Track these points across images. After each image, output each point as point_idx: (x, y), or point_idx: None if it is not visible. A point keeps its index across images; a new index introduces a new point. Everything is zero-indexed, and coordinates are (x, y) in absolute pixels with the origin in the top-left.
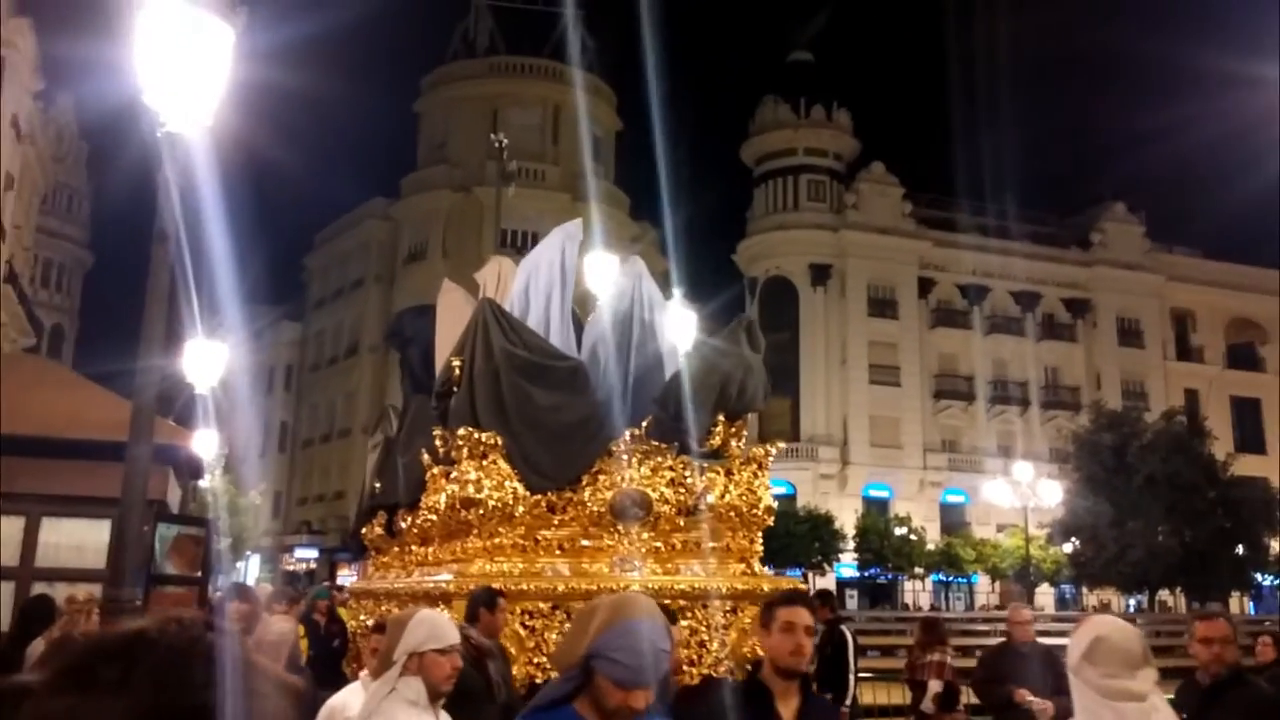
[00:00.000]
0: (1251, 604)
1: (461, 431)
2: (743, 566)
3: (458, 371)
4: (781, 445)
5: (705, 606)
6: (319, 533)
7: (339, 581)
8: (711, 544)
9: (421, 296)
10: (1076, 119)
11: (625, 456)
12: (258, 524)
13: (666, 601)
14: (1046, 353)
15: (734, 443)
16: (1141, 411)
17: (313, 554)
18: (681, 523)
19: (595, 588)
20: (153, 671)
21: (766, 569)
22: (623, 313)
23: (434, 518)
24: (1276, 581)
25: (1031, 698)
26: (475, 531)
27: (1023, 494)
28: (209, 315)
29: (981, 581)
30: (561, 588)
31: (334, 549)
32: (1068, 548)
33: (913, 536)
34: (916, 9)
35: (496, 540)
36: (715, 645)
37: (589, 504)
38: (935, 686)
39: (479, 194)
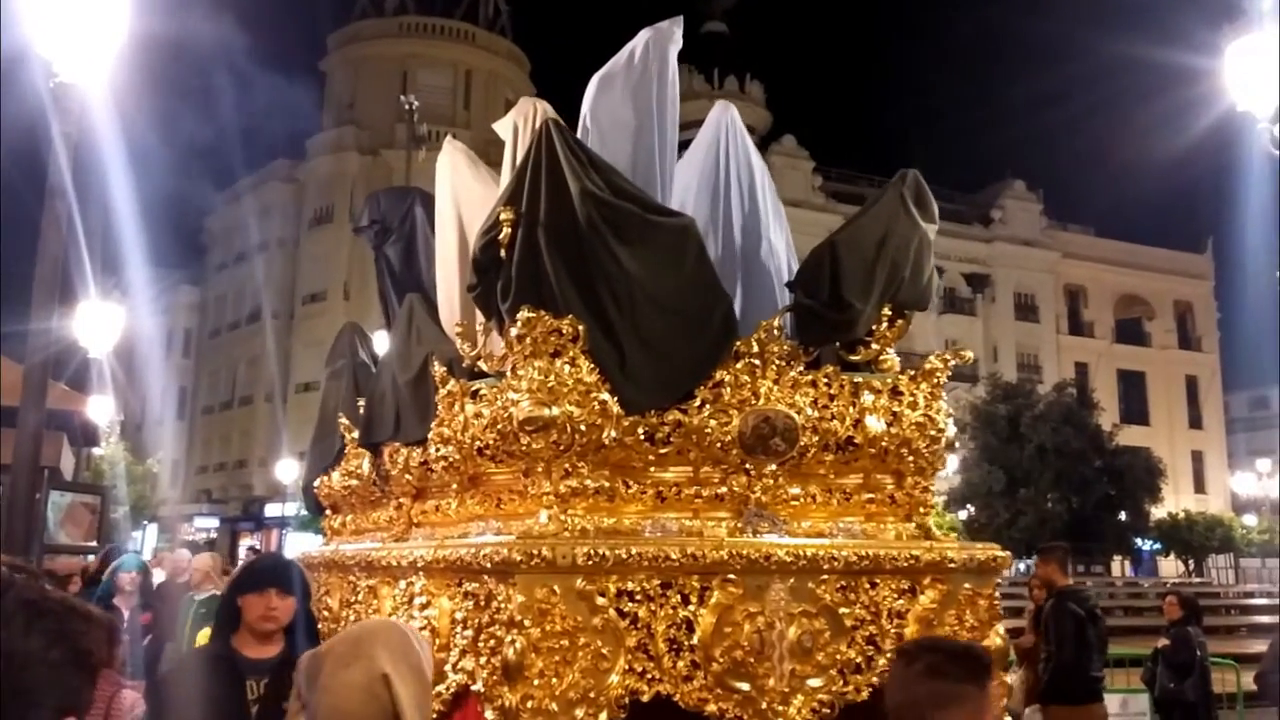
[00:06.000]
0: (1132, 568)
1: (523, 315)
2: (912, 527)
3: (507, 229)
4: None
5: (874, 585)
6: (220, 501)
7: (242, 551)
8: (869, 495)
9: (328, 261)
10: (980, 99)
11: (756, 362)
12: (155, 492)
13: (824, 579)
14: (948, 326)
15: (890, 351)
16: (1035, 384)
17: (213, 523)
18: (828, 460)
19: (722, 555)
20: None
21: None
22: (714, 165)
23: (455, 454)
24: (1156, 546)
25: None
26: (541, 469)
27: None
28: (103, 276)
29: None
30: (675, 554)
31: (235, 518)
32: (963, 514)
33: None
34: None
35: (572, 482)
36: (889, 643)
37: (709, 432)
38: None
39: (388, 157)
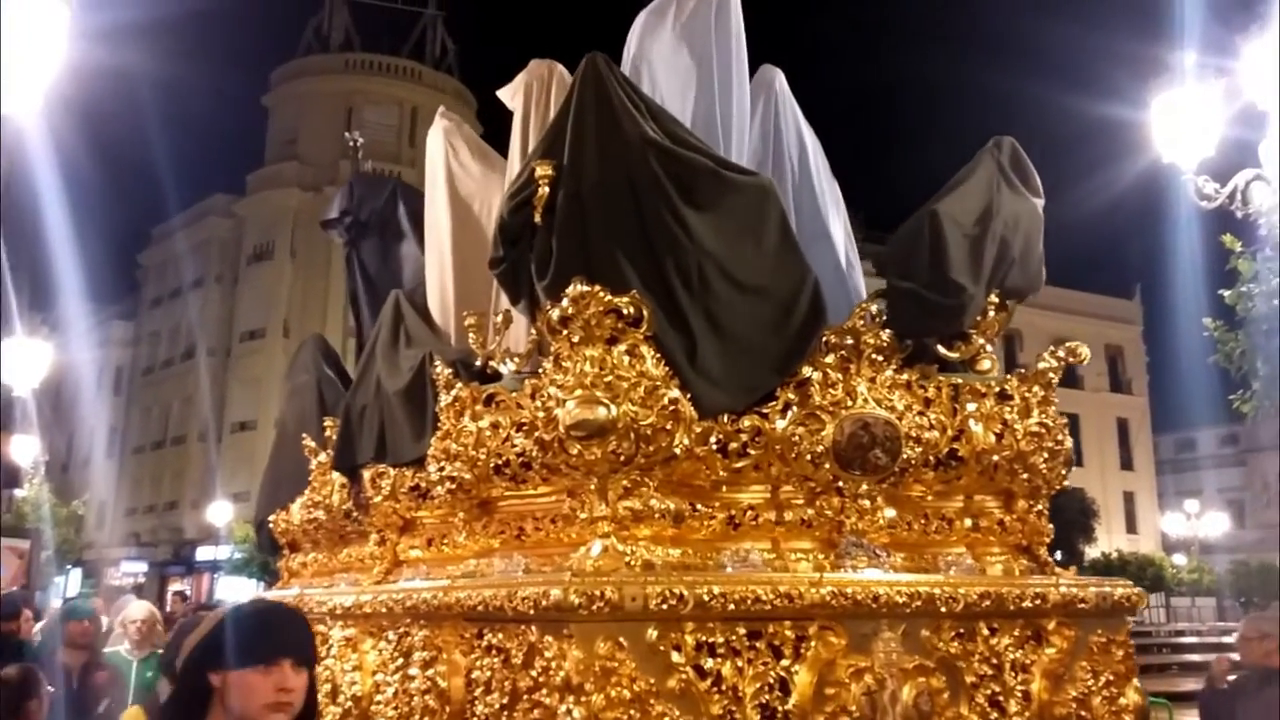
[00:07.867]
0: None
1: (574, 290)
2: (1026, 560)
3: (545, 188)
4: None
5: (993, 631)
6: (149, 545)
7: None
8: (972, 520)
9: (268, 298)
10: (914, 143)
11: (849, 356)
12: (81, 535)
13: (939, 625)
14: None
15: (990, 347)
16: None
17: (141, 567)
18: (928, 477)
19: (823, 596)
20: None
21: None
22: (761, 137)
23: (465, 474)
24: None
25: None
26: (594, 486)
27: None
28: (31, 311)
29: None
30: (767, 595)
31: (165, 562)
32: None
33: None
34: (801, 25)
35: (633, 503)
36: (1014, 704)
37: (797, 441)
38: None
39: (330, 194)
